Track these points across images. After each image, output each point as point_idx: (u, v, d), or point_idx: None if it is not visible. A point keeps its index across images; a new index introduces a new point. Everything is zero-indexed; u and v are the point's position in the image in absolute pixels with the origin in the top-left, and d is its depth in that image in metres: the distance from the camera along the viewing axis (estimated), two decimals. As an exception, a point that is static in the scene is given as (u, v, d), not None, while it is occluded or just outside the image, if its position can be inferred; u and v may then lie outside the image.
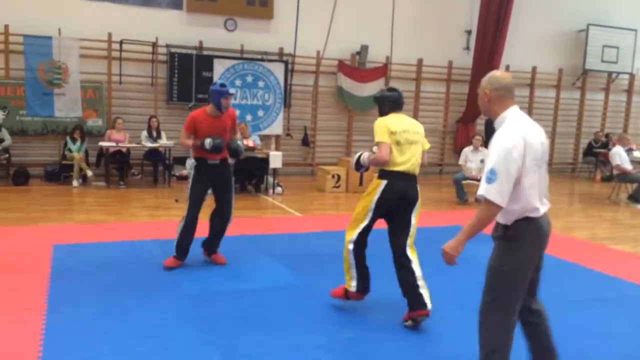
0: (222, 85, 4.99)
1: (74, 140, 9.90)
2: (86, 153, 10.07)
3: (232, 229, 6.79)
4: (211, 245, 5.38)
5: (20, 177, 9.57)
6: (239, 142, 5.33)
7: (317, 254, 5.79)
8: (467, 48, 13.61)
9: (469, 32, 13.60)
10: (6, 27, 9.91)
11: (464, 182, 9.47)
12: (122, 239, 6.13)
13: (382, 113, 4.14)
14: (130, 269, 5.02)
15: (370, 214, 4.06)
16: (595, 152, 13.96)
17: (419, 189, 4.14)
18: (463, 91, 13.54)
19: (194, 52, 11.19)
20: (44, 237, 6.07)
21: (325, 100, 12.55)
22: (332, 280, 4.95)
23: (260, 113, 11.72)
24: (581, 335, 3.97)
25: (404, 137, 3.98)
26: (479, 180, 9.09)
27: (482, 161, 9.42)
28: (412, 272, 4.06)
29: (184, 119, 11.50)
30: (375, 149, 4.07)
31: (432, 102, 13.50)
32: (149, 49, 10.83)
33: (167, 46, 10.97)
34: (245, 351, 3.48)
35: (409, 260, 4.11)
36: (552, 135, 14.97)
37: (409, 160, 4.01)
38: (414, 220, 4.16)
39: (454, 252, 3.02)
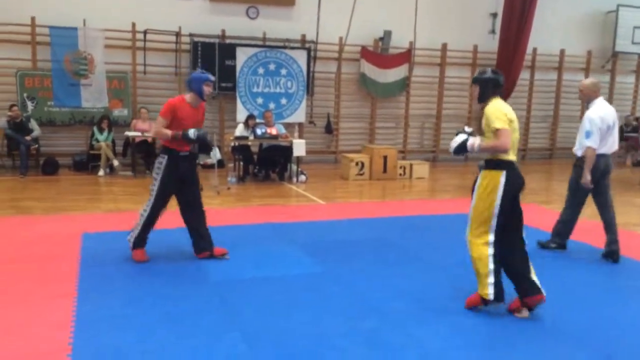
0: (203, 71, 4.88)
1: (100, 130, 10.05)
2: (113, 142, 10.21)
3: (256, 217, 6.86)
4: (203, 245, 5.06)
5: (50, 166, 9.77)
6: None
7: (341, 242, 5.79)
8: (493, 32, 13.37)
9: (495, 15, 13.35)
10: (32, 19, 10.06)
11: (489, 168, 9.33)
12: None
13: (484, 96, 3.89)
14: (157, 256, 5.09)
15: (496, 211, 3.80)
16: (626, 137, 13.63)
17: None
18: (488, 76, 13.30)
19: (217, 40, 11.22)
20: (73, 225, 6.19)
21: (348, 87, 12.48)
22: (356, 267, 4.97)
23: (284, 101, 11.72)
24: (608, 325, 3.90)
25: (514, 126, 3.84)
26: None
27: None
28: (527, 259, 3.93)
29: (207, 107, 11.55)
30: (478, 137, 3.89)
31: (456, 87, 13.32)
32: (173, 38, 10.90)
33: (190, 35, 11.01)
34: (270, 337, 3.51)
35: (525, 250, 3.96)
36: (581, 120, 14.64)
37: (515, 150, 3.89)
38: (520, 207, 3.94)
39: (586, 181, 5.20)
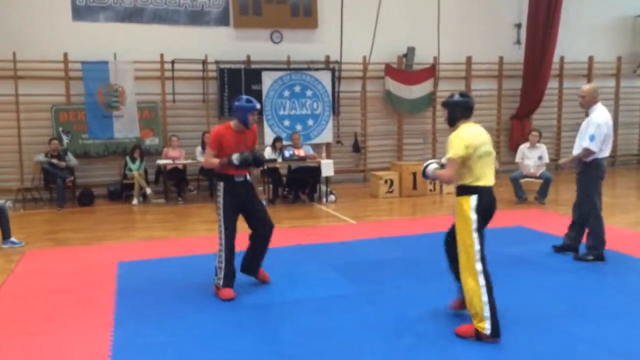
0: (249, 100, 4.75)
1: (133, 160, 10.26)
2: (145, 171, 10.41)
3: (287, 239, 6.88)
4: (255, 264, 5.06)
5: (86, 197, 10.00)
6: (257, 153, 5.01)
7: (373, 261, 5.75)
8: (518, 42, 13.25)
9: (519, 26, 13.25)
10: (65, 55, 10.41)
11: (521, 180, 9.19)
12: (183, 254, 6.29)
13: (452, 120, 3.92)
14: (192, 283, 5.14)
15: (476, 235, 3.76)
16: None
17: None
18: (516, 87, 13.17)
19: (243, 66, 11.40)
20: (109, 254, 6.31)
21: (374, 105, 12.50)
22: (389, 287, 4.93)
23: (310, 122, 11.80)
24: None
25: (484, 150, 3.78)
26: (537, 178, 8.88)
27: (540, 158, 9.13)
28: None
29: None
30: (444, 160, 3.89)
31: (484, 99, 13.18)
32: (199, 66, 11.12)
33: (217, 62, 11.22)
34: (307, 358, 3.50)
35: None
36: (615, 127, 14.28)
37: (490, 173, 3.84)
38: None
39: (566, 162, 5.64)
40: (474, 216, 3.74)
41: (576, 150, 5.52)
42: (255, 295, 4.77)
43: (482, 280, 3.74)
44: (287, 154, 9.75)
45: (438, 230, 7.11)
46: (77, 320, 4.28)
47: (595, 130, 5.30)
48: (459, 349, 3.64)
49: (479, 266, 3.75)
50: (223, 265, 4.74)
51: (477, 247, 3.75)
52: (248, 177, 4.97)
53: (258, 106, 4.80)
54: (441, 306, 4.39)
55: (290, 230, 7.55)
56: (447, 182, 3.91)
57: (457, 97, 3.92)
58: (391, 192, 10.15)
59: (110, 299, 4.75)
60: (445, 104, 3.98)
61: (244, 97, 4.81)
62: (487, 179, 3.81)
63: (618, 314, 4.23)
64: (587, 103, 5.47)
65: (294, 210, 9.15)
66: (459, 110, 3.89)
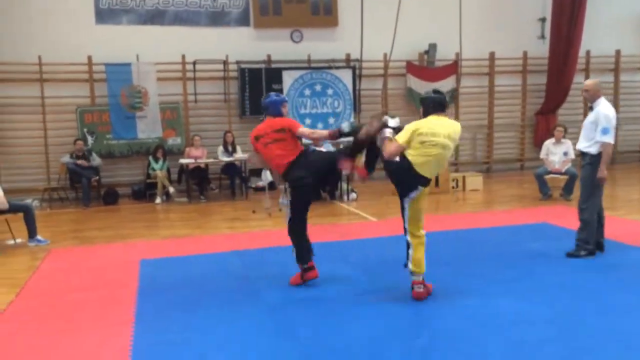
0: (277, 95, 5.02)
1: (156, 160, 10.38)
2: (168, 171, 10.52)
3: (309, 237, 6.86)
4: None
5: (110, 197, 10.16)
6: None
7: (394, 259, 5.68)
8: (542, 37, 13.02)
9: (543, 20, 13.02)
10: (89, 57, 10.58)
11: (546, 176, 9.03)
12: (205, 252, 6.33)
13: (425, 114, 4.40)
14: (213, 280, 5.17)
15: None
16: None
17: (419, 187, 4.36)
18: (540, 82, 12.95)
19: (263, 66, 11.44)
20: (132, 252, 6.39)
21: (395, 103, 12.41)
22: (405, 285, 4.87)
23: (331, 120, 11.78)
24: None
25: (428, 139, 4.23)
26: (562, 174, 8.71)
27: (565, 154, 8.96)
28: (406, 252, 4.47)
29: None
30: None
31: (507, 95, 13.02)
32: (221, 66, 11.19)
33: (238, 62, 11.28)
34: (326, 356, 3.48)
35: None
36: (643, 121, 14.01)
37: (426, 157, 4.24)
38: (405, 211, 4.47)
39: (603, 175, 5.33)
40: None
41: (581, 144, 5.51)
42: (275, 293, 4.77)
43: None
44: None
45: (459, 228, 7.09)
46: (99, 318, 4.34)
47: (606, 123, 5.31)
48: (477, 347, 3.58)
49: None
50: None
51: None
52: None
53: (286, 98, 5.08)
54: (460, 304, 4.34)
55: (311, 228, 7.42)
56: (387, 156, 4.30)
57: (430, 94, 4.48)
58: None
59: (132, 296, 4.80)
60: (420, 99, 4.58)
61: (272, 93, 5.06)
62: (417, 158, 4.23)
63: (636, 311, 4.12)
64: (591, 97, 5.50)
65: (315, 208, 9.05)
66: (430, 105, 4.39)
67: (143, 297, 4.78)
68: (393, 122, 4.35)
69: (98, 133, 10.68)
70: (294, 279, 4.95)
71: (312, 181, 4.80)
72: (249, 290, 4.87)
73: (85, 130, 10.58)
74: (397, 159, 4.28)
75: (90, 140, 10.60)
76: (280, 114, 4.91)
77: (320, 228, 7.52)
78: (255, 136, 4.95)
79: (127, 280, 5.30)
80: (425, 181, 4.36)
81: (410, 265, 4.43)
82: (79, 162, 9.92)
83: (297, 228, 4.94)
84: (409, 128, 4.29)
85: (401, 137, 4.26)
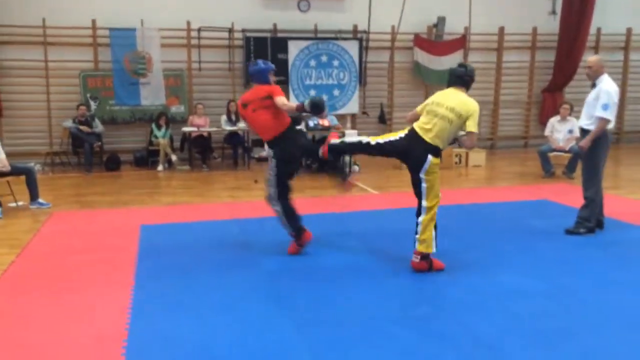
0: (265, 62, 4.90)
1: (159, 127, 10.35)
2: (171, 138, 10.49)
3: (310, 208, 6.86)
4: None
5: (112, 163, 10.16)
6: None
7: (394, 231, 5.70)
8: (553, 12, 12.79)
9: (555, -5, 12.79)
10: (93, 21, 10.47)
11: (550, 154, 8.98)
12: (205, 219, 6.35)
13: (447, 85, 4.56)
14: (212, 247, 5.19)
15: (385, 141, 4.66)
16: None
17: (428, 156, 4.35)
18: (549, 59, 12.78)
19: (269, 35, 11.31)
20: (133, 218, 6.41)
21: (402, 76, 12.29)
22: (410, 256, 4.89)
23: (336, 92, 11.69)
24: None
25: (432, 109, 4.39)
26: (566, 152, 8.66)
27: (570, 131, 8.88)
28: (416, 222, 4.45)
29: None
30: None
31: (515, 72, 12.86)
32: (226, 34, 11.07)
33: (243, 31, 11.15)
34: (321, 325, 3.50)
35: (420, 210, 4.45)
36: (650, 101, 13.86)
37: (427, 124, 4.38)
38: (423, 181, 4.40)
39: (585, 145, 5.33)
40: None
41: (583, 122, 5.50)
42: (274, 261, 4.79)
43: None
44: (311, 123, 9.69)
45: (461, 203, 7.07)
46: (99, 280, 4.37)
47: (607, 99, 5.25)
48: (474, 317, 3.60)
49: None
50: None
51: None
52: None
53: (274, 66, 4.94)
54: (459, 276, 4.36)
55: (313, 200, 7.54)
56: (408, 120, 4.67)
57: (455, 67, 4.61)
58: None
59: (132, 260, 4.83)
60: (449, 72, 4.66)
61: (259, 60, 4.95)
62: (423, 131, 4.37)
63: (635, 287, 4.14)
64: (594, 73, 5.44)
65: (317, 179, 9.13)
66: (453, 78, 4.52)
67: (143, 261, 4.81)
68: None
69: (101, 98, 10.62)
70: (291, 248, 4.97)
71: (300, 157, 5.00)
72: (247, 258, 4.89)
73: (88, 95, 10.52)
74: (403, 134, 4.51)
75: (93, 105, 10.55)
76: (267, 82, 4.84)
77: (322, 200, 7.53)
78: (242, 103, 4.91)
79: (127, 244, 5.33)
80: (432, 149, 4.34)
81: (418, 247, 4.41)
82: (82, 127, 9.89)
83: (286, 196, 4.92)
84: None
85: (419, 107, 4.60)
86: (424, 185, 4.39)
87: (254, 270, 4.58)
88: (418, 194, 4.45)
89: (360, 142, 4.76)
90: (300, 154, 5.06)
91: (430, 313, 3.70)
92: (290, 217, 4.92)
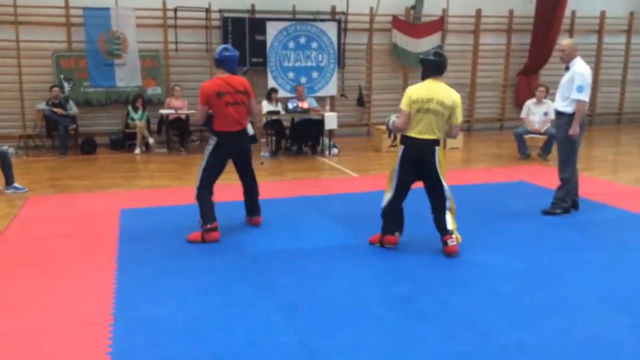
0: (233, 49, 4.82)
1: (135, 109, 10.20)
2: (147, 121, 10.35)
3: (289, 191, 6.90)
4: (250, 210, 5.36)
5: (88, 146, 10.00)
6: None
7: (374, 213, 5.74)
8: (530, -5, 12.90)
9: (531, -22, 12.88)
10: (66, 0, 10.20)
11: (525, 136, 9.12)
12: (186, 203, 6.30)
13: (424, 76, 4.46)
14: (193, 230, 5.16)
15: (396, 175, 4.52)
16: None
17: (437, 150, 4.42)
18: (525, 42, 12.91)
19: (247, 15, 11.17)
20: (112, 202, 6.35)
21: (380, 59, 12.29)
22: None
23: (315, 74, 11.64)
24: None
25: (423, 106, 4.31)
26: (541, 134, 8.81)
27: (545, 114, 9.03)
28: (444, 216, 4.50)
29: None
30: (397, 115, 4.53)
31: (491, 54, 12.97)
32: (203, 15, 10.90)
33: (220, 11, 10.99)
34: (304, 307, 3.55)
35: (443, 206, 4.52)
36: (622, 84, 14.12)
37: (426, 127, 4.35)
38: (440, 176, 4.46)
39: (575, 132, 5.39)
40: (399, 160, 4.49)
41: (558, 104, 5.60)
42: (256, 244, 4.81)
43: (386, 201, 4.62)
44: (290, 106, 9.66)
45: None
46: (80, 264, 4.35)
47: (581, 81, 5.36)
48: (455, 296, 3.69)
49: (390, 193, 4.58)
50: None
51: (395, 182, 4.52)
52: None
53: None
54: (440, 256, 4.45)
55: (292, 182, 7.56)
56: (398, 130, 4.52)
57: (431, 56, 4.42)
58: (394, 146, 9.91)
59: (113, 244, 4.81)
60: (421, 61, 4.51)
61: (229, 46, 4.86)
62: (416, 131, 4.36)
63: (610, 265, 4.28)
64: (567, 56, 5.53)
65: (296, 162, 9.14)
66: (430, 69, 4.40)
67: (124, 245, 4.78)
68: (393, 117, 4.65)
69: (75, 80, 10.40)
70: (192, 236, 4.89)
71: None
72: (229, 241, 4.90)
73: (62, 76, 10.29)
74: (400, 154, 4.47)
75: (67, 87, 10.33)
76: (235, 72, 4.80)
77: (302, 182, 7.55)
78: (217, 92, 4.74)
79: (107, 228, 5.29)
80: (436, 142, 4.41)
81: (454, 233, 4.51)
82: (56, 109, 9.70)
83: (209, 189, 4.93)
84: (405, 95, 4.41)
85: (402, 104, 4.41)
86: (440, 178, 4.45)
87: (237, 254, 4.59)
88: (434, 189, 4.51)
89: (390, 203, 4.61)
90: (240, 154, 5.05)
91: (412, 293, 3.78)
92: (210, 210, 4.89)
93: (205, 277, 4.08)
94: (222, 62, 4.76)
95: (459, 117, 4.43)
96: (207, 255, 4.55)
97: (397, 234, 4.64)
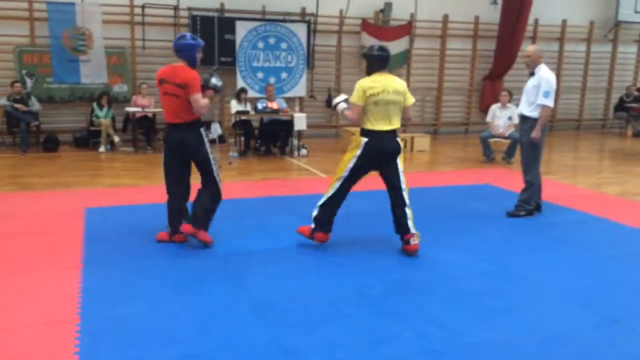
0: (194, 37, 4.52)
1: (100, 107, 10.00)
2: (113, 119, 10.17)
3: (258, 191, 6.88)
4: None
5: (50, 143, 9.75)
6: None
7: (343, 214, 5.78)
8: (495, 2, 13.19)
9: (496, -14, 13.18)
10: (29, -6, 9.95)
11: (490, 140, 9.33)
12: (152, 202, 6.21)
13: (369, 71, 4.51)
14: (162, 230, 5.09)
15: (350, 168, 4.51)
16: (627, 107, 13.57)
17: (399, 141, 4.58)
18: (490, 47, 13.20)
19: (216, 14, 11.09)
20: (76, 200, 6.21)
21: (349, 61, 12.38)
22: (358, 238, 5.02)
23: (284, 75, 11.65)
24: (611, 290, 3.94)
25: (382, 98, 4.38)
26: (506, 138, 9.03)
27: (509, 118, 9.25)
28: (405, 213, 4.59)
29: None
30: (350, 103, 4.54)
31: (458, 59, 13.21)
32: (171, 12, 10.78)
33: (189, 9, 10.89)
34: (277, 307, 3.55)
35: (404, 203, 4.60)
36: (582, 91, 14.58)
37: (387, 118, 4.44)
38: (400, 167, 4.57)
39: (537, 135, 5.54)
40: (358, 153, 4.45)
41: (523, 108, 5.74)
42: (226, 245, 4.77)
43: (332, 192, 4.66)
44: (260, 106, 9.63)
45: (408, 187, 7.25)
46: (45, 262, 4.24)
47: (547, 86, 5.52)
48: (426, 297, 3.75)
49: (338, 183, 4.60)
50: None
51: (345, 173, 4.53)
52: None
53: (203, 42, 4.63)
54: (409, 257, 4.51)
55: (261, 182, 7.54)
56: (352, 123, 4.54)
57: (375, 51, 4.50)
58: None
59: (78, 243, 4.70)
60: (364, 55, 4.58)
61: (187, 34, 4.58)
62: (379, 123, 4.42)
63: (572, 265, 4.42)
64: (532, 62, 5.68)
65: (265, 162, 9.12)
66: (376, 62, 4.48)
67: (90, 243, 4.69)
68: (341, 97, 4.70)
69: (38, 75, 10.14)
70: (161, 235, 4.82)
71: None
72: (199, 242, 4.84)
73: (24, 72, 10.02)
74: (362, 147, 4.44)
75: (29, 83, 10.06)
76: (194, 61, 4.50)
77: (271, 182, 7.54)
78: (160, 79, 4.58)
79: (72, 227, 5.17)
80: (397, 132, 4.56)
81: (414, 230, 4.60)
82: (17, 105, 9.43)
83: (172, 192, 4.75)
84: (358, 88, 4.42)
85: (355, 97, 4.42)
86: (400, 168, 4.54)
87: (207, 253, 4.55)
88: (396, 187, 4.56)
89: (334, 196, 4.65)
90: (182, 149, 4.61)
91: (384, 293, 3.82)
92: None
93: (175, 277, 4.03)
94: (176, 51, 4.53)
95: (411, 98, 4.61)
96: (176, 255, 4.50)
97: (329, 233, 4.71)
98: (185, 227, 4.62)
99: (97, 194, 6.65)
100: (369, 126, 4.44)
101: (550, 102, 5.53)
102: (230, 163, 8.83)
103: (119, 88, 10.66)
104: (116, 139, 9.90)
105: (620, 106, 13.83)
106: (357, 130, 4.59)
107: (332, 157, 9.82)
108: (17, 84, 9.59)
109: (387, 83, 4.44)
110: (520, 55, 13.43)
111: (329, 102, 4.95)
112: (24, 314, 3.38)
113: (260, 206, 6.14)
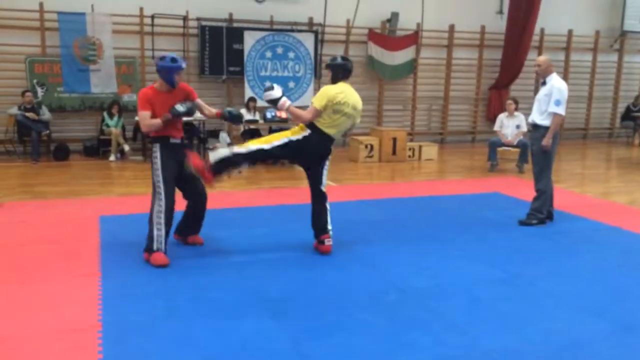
0: (174, 59, 4.44)
1: (110, 116, 10.09)
2: (123, 128, 10.25)
3: (268, 199, 6.93)
4: (190, 228, 4.99)
5: (61, 152, 9.82)
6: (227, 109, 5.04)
7: (354, 222, 5.84)
8: (501, 12, 13.28)
9: (502, -4, 13.28)
10: (41, 4, 10.06)
11: (498, 148, 9.36)
12: (164, 210, 6.26)
13: (334, 79, 4.64)
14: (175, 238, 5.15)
15: (278, 144, 4.59)
16: (634, 116, 13.61)
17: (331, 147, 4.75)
18: (496, 57, 13.27)
19: (224, 24, 11.20)
20: (89, 209, 6.26)
21: (356, 70, 12.24)
22: (372, 246, 5.04)
23: (291, 84, 11.72)
24: (623, 298, 3.96)
25: (342, 109, 4.52)
26: (514, 147, 9.06)
27: (517, 127, 9.29)
28: (326, 208, 4.82)
29: (216, 92, 11.54)
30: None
31: (464, 68, 13.28)
32: (180, 22, 10.89)
33: (198, 19, 11.00)
34: (295, 313, 3.58)
35: (324, 198, 4.83)
36: (589, 100, 14.62)
37: (337, 127, 4.59)
38: (327, 165, 4.80)
39: (548, 143, 5.60)
40: (295, 138, 4.59)
41: (535, 117, 5.77)
42: (241, 252, 4.81)
43: (241, 150, 4.77)
44: (268, 115, 9.71)
45: (416, 195, 7.30)
46: (62, 270, 4.28)
47: (559, 95, 5.58)
48: (440, 303, 3.77)
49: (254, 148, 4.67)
50: (163, 228, 4.49)
51: (268, 147, 4.60)
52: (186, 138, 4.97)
53: (184, 65, 4.57)
54: (423, 264, 4.54)
55: (270, 191, 7.59)
56: (303, 121, 4.59)
57: (339, 61, 4.67)
58: (371, 157, 10.23)
59: (94, 250, 4.75)
60: (328, 66, 4.71)
61: (169, 56, 4.52)
62: (330, 129, 4.57)
63: (585, 273, 4.44)
64: (543, 72, 5.75)
65: (274, 171, 9.17)
66: (340, 72, 4.63)
67: (107, 251, 4.73)
68: (278, 91, 4.65)
69: (49, 85, 10.24)
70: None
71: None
72: (214, 249, 4.89)
73: (35, 81, 10.12)
74: (302, 135, 4.56)
75: (40, 92, 10.16)
76: (171, 83, 4.47)
77: (280, 191, 7.59)
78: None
79: (87, 235, 5.22)
80: (333, 141, 4.73)
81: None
82: (28, 114, 9.52)
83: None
84: (324, 94, 4.52)
85: (318, 101, 4.52)
86: (324, 172, 4.79)
87: (222, 261, 4.59)
88: (317, 182, 4.81)
89: (252, 150, 4.65)
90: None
91: (398, 300, 3.85)
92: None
93: (193, 283, 4.06)
94: (157, 71, 4.52)
95: (359, 119, 4.79)
96: (194, 263, 4.53)
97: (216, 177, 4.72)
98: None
99: (109, 202, 6.71)
100: (319, 125, 4.56)
101: (562, 111, 5.57)
102: (240, 172, 8.85)
103: (129, 97, 10.74)
104: (126, 147, 9.97)
105: (627, 115, 13.87)
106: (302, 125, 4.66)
107: (340, 165, 9.86)
108: (28, 94, 9.68)
109: (349, 95, 4.58)
110: (531, 65, 13.54)
111: (274, 101, 4.71)
112: (45, 322, 3.41)
113: (270, 215, 6.19)
